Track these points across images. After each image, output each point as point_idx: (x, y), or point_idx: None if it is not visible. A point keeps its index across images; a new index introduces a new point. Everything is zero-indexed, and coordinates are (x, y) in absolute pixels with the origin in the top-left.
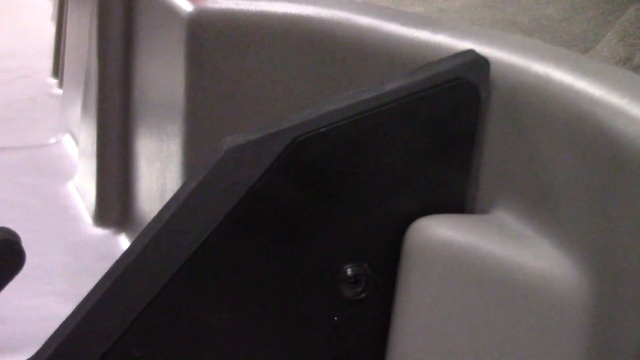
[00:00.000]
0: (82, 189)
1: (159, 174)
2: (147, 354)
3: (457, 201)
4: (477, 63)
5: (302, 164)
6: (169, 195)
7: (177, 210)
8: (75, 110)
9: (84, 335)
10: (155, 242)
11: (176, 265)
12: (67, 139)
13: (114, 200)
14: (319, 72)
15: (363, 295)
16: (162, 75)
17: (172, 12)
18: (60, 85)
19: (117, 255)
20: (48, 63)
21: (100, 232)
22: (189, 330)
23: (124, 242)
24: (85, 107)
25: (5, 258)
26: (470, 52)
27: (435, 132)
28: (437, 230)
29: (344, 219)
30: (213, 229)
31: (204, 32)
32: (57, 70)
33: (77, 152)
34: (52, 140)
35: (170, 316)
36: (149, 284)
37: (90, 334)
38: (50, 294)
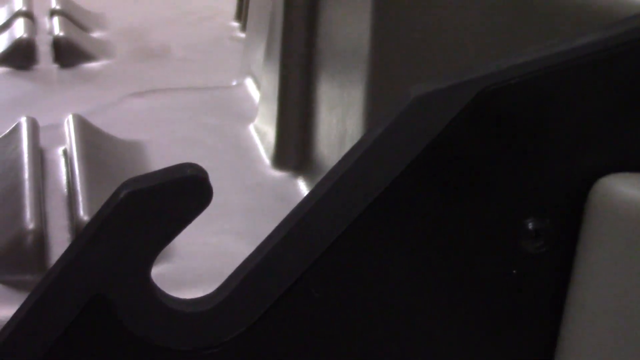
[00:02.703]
0: (261, 131)
1: (339, 120)
2: (326, 295)
3: None
4: None
5: (490, 115)
6: (348, 142)
7: (362, 155)
8: (258, 54)
9: (266, 273)
10: (339, 187)
11: (358, 211)
12: (248, 82)
13: (293, 144)
14: (508, 23)
15: (543, 250)
16: (348, 21)
17: None
18: (243, 28)
19: (294, 197)
20: (231, 6)
21: (278, 174)
22: (367, 275)
23: (301, 186)
24: (268, 51)
25: (193, 194)
26: None
27: (627, 89)
28: (623, 189)
29: (529, 172)
30: (396, 176)
31: None
32: (240, 14)
33: (257, 95)
34: (234, 82)
35: (349, 260)
36: (331, 227)
37: (271, 272)
38: (229, 232)
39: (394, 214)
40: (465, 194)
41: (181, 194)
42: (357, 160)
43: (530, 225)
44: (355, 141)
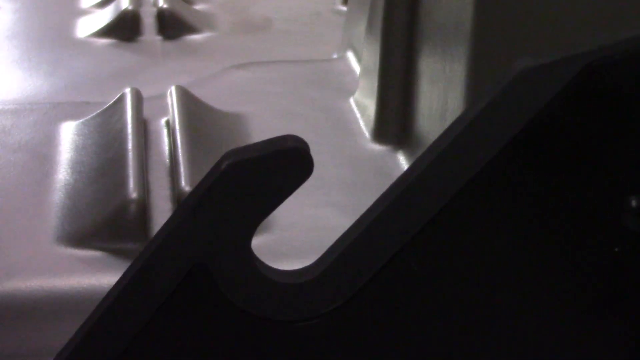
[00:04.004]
0: (362, 105)
1: (441, 94)
2: (425, 269)
3: None
4: None
5: (594, 91)
6: (449, 116)
7: (463, 130)
8: (359, 28)
9: (365, 246)
10: (439, 161)
11: (458, 186)
12: (349, 55)
13: (393, 118)
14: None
15: None
16: None
17: None
18: (344, 1)
19: (394, 172)
20: None
21: (378, 148)
22: (465, 251)
23: (401, 160)
24: (370, 24)
25: (294, 165)
26: None
27: None
28: None
29: (633, 149)
30: (498, 151)
31: None
32: None
33: (358, 68)
34: (335, 55)
35: (449, 235)
36: (431, 201)
37: (370, 246)
38: (328, 205)
39: (494, 189)
40: (567, 170)
41: (283, 165)
42: (458, 134)
43: (633, 203)
44: (456, 116)
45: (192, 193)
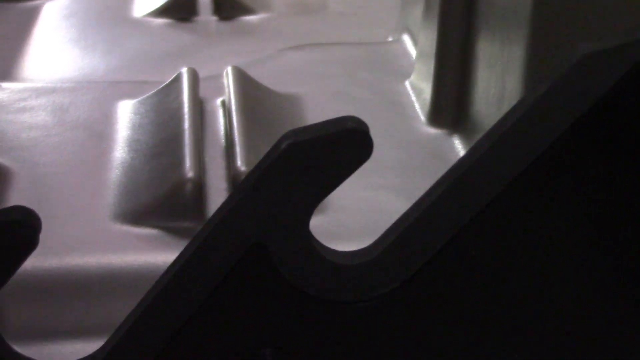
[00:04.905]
0: (417, 88)
1: (498, 78)
2: (482, 254)
3: None
4: None
5: None
6: (507, 101)
7: (524, 114)
8: (416, 10)
9: (422, 229)
10: (499, 145)
11: (517, 171)
12: (405, 38)
13: (449, 101)
14: None
15: None
16: None
17: None
18: None
19: (450, 155)
20: None
21: (433, 131)
22: (523, 236)
23: (457, 144)
24: (427, 7)
25: (354, 146)
26: None
27: None
28: None
29: None
30: (558, 137)
31: None
32: None
33: (414, 51)
34: (390, 38)
35: (507, 220)
36: (490, 185)
37: (428, 229)
38: (383, 188)
39: (554, 175)
40: (629, 156)
41: (342, 146)
42: (518, 118)
43: None
44: (514, 100)
45: (252, 172)
